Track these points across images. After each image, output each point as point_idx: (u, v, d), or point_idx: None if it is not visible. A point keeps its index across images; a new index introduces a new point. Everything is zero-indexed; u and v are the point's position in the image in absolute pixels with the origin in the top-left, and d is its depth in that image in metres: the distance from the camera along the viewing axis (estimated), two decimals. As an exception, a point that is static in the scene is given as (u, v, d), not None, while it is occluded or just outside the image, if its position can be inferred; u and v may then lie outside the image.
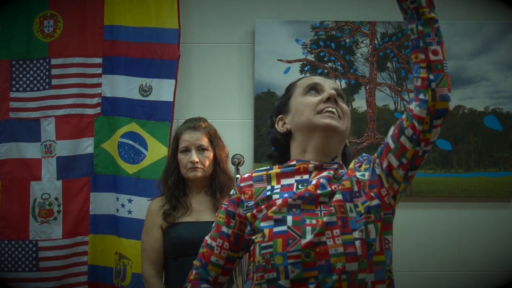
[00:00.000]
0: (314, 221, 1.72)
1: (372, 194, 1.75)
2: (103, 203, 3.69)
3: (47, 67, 3.68)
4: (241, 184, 1.86)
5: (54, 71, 3.67)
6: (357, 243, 1.69)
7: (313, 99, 1.85)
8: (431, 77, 1.63)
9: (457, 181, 3.77)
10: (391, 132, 1.73)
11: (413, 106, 1.66)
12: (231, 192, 1.89)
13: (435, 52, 1.63)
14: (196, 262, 1.91)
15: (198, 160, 2.89)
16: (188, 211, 2.91)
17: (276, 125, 1.95)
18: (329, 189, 1.76)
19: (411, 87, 3.72)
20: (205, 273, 1.89)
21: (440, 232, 3.79)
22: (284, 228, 1.71)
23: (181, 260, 2.84)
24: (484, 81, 3.78)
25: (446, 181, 3.77)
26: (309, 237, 1.69)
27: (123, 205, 3.64)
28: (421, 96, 1.64)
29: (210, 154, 2.93)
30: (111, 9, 3.70)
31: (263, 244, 1.72)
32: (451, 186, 3.77)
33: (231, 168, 2.90)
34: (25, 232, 3.62)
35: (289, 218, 1.72)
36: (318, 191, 1.75)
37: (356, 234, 1.70)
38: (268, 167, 1.89)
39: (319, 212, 1.74)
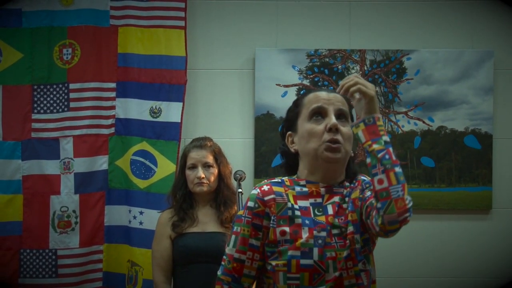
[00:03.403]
0: (333, 254, 1.76)
1: (365, 226, 1.79)
2: (117, 215, 3.75)
3: (66, 91, 3.74)
4: (265, 198, 1.82)
5: (72, 95, 3.74)
6: (362, 274, 1.78)
7: (317, 128, 1.83)
8: (379, 205, 1.65)
9: (440, 195, 3.85)
10: (367, 202, 1.75)
11: (374, 213, 1.69)
12: (251, 205, 1.84)
13: (380, 181, 1.65)
14: (225, 278, 1.86)
15: (204, 176, 2.99)
16: (194, 222, 3.00)
17: (286, 140, 1.94)
18: (337, 220, 1.80)
19: (397, 110, 3.83)
20: (239, 286, 1.85)
21: (424, 242, 3.85)
22: (310, 262, 1.74)
23: (189, 267, 2.95)
24: (464, 104, 3.84)
25: (430, 195, 3.85)
26: (331, 271, 1.74)
27: (135, 217, 3.71)
28: (376, 217, 1.67)
29: (215, 170, 3.03)
30: (124, 38, 3.76)
31: (289, 275, 1.75)
32: (435, 200, 3.85)
33: (234, 183, 3.04)
34: (46, 242, 3.69)
35: (315, 252, 1.75)
36: (332, 223, 1.79)
37: (360, 266, 1.78)
38: (280, 180, 1.89)
39: (335, 244, 1.77)
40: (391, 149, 1.69)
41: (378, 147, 1.68)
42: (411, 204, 1.68)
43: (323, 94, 1.89)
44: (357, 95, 1.74)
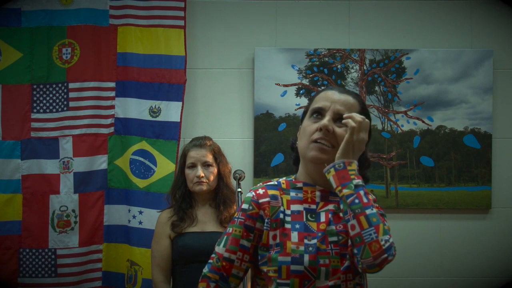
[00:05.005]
0: (327, 261, 1.75)
1: None
2: (116, 214, 3.76)
3: (65, 90, 3.75)
4: (260, 201, 1.83)
5: (72, 94, 3.75)
6: None
7: (311, 127, 1.82)
8: (355, 251, 1.67)
9: (439, 194, 3.86)
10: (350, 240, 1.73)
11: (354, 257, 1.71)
12: (245, 207, 1.85)
13: (352, 227, 1.66)
14: (212, 275, 1.85)
15: (203, 175, 3.00)
16: (194, 222, 3.02)
17: (298, 132, 1.92)
18: (334, 228, 1.79)
19: (397, 109, 3.84)
20: (226, 286, 1.85)
21: (424, 241, 3.87)
22: (301, 268, 1.73)
23: (188, 267, 2.97)
24: (463, 104, 3.86)
25: (429, 194, 3.86)
26: (323, 278, 1.73)
27: (134, 217, 3.72)
28: (356, 261, 1.69)
29: (214, 169, 3.04)
30: (124, 38, 3.77)
31: (279, 281, 1.75)
32: (434, 199, 3.86)
33: (233, 182, 3.05)
34: (45, 241, 3.70)
35: (306, 258, 1.74)
36: (327, 229, 1.78)
37: (357, 279, 1.78)
38: (276, 182, 1.89)
39: (330, 251, 1.76)
40: (361, 192, 1.69)
41: (348, 191, 1.68)
42: (388, 244, 1.66)
43: (333, 94, 1.86)
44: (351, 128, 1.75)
